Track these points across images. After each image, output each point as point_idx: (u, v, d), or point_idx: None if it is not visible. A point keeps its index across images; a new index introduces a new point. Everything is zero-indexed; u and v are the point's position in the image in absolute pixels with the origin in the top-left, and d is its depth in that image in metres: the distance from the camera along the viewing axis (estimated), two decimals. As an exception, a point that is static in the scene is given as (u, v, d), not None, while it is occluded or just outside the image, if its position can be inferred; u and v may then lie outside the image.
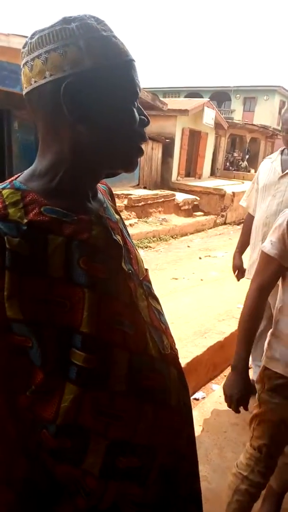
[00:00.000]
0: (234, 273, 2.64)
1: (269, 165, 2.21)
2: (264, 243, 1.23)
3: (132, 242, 0.78)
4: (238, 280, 2.63)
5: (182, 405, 0.71)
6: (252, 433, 1.33)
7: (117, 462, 0.63)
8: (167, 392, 0.67)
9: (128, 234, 0.79)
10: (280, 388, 1.25)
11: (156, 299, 0.74)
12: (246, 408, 1.27)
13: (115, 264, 0.68)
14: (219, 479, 1.90)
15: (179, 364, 0.73)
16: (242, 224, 2.78)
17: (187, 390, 0.75)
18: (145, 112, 0.70)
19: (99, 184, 0.77)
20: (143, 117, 0.69)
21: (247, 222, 2.51)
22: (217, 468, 1.99)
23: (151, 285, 0.75)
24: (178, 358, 0.73)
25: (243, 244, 2.57)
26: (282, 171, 2.11)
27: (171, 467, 0.67)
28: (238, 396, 1.25)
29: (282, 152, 2.21)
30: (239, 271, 2.60)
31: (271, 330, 1.34)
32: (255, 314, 1.28)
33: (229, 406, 1.29)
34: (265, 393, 1.28)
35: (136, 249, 0.78)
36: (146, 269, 0.78)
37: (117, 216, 0.77)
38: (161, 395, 0.65)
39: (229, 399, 1.27)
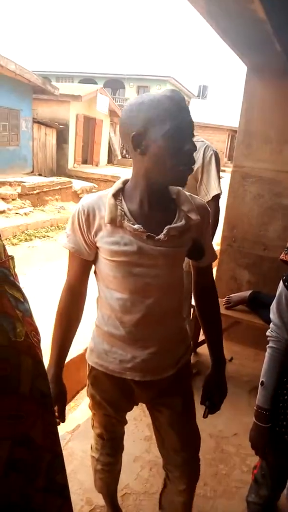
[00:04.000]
0: None
1: None
2: (61, 239, 1.13)
3: None
4: None
5: (38, 394, 0.69)
6: (92, 423, 1.36)
7: None
8: (14, 380, 0.64)
9: None
10: (95, 381, 1.23)
11: (15, 286, 0.71)
12: (63, 421, 1.22)
13: None
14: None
15: (36, 352, 0.70)
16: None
17: (45, 378, 0.73)
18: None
19: None
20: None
21: None
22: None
23: (9, 271, 0.71)
24: (35, 347, 0.71)
25: None
26: None
27: (25, 459, 0.65)
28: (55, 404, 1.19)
29: None
30: None
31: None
32: (65, 315, 1.19)
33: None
34: (89, 387, 1.26)
35: None
36: (10, 256, 0.74)
37: None
38: (6, 383, 0.63)
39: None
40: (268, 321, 1.33)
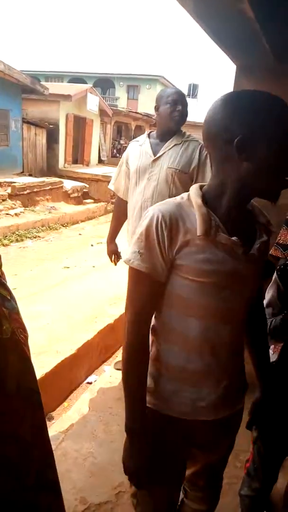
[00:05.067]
0: (111, 258, 2.66)
1: (138, 149, 2.25)
2: (127, 256, 0.93)
3: None
4: (116, 264, 2.66)
5: (25, 390, 0.69)
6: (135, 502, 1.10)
7: None
8: (0, 377, 0.64)
9: None
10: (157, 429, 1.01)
11: (2, 284, 0.71)
12: (140, 486, 1.00)
13: None
14: (105, 454, 1.96)
15: (22, 349, 0.70)
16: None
17: (32, 375, 0.73)
18: None
19: None
20: None
21: (118, 207, 2.52)
22: (103, 443, 2.04)
23: None
24: (22, 343, 0.71)
25: (115, 228, 2.61)
26: (154, 155, 2.17)
27: (14, 457, 0.65)
28: (133, 470, 0.98)
29: (149, 135, 2.28)
30: (116, 256, 2.64)
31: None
32: (138, 353, 0.96)
33: (129, 480, 1.01)
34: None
35: None
36: None
37: None
38: None
39: (127, 471, 0.99)
40: None
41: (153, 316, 1.00)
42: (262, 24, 1.95)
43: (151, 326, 1.00)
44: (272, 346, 1.64)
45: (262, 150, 0.82)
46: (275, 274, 1.33)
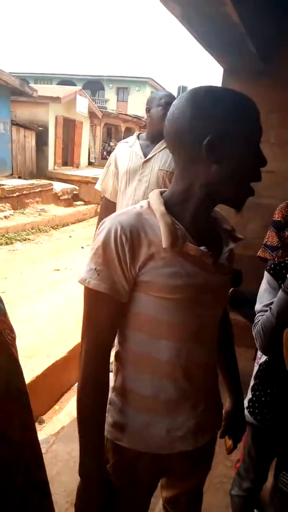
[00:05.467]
0: None
1: (128, 150, 2.26)
2: (82, 275, 0.81)
3: None
4: None
5: (14, 391, 0.69)
6: None
7: None
8: None
9: None
10: (126, 466, 0.92)
11: None
12: None
13: None
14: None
15: (10, 350, 0.71)
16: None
17: (20, 376, 0.73)
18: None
19: None
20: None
21: (105, 208, 2.48)
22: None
23: None
24: (10, 345, 0.71)
25: None
26: (144, 156, 2.19)
27: (2, 456, 0.66)
28: None
29: (138, 137, 2.29)
30: None
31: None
32: (99, 387, 0.83)
33: None
34: (117, 475, 0.91)
35: None
36: None
37: None
38: None
39: None
40: (249, 318, 1.35)
41: (116, 341, 0.89)
42: (247, 28, 1.98)
43: (114, 353, 0.89)
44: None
45: (233, 151, 0.76)
46: (266, 276, 1.32)
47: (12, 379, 0.69)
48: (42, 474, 0.75)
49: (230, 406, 1.12)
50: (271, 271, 1.29)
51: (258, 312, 1.29)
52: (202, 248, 0.79)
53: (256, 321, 1.28)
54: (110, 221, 0.80)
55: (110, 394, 0.89)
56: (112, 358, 0.89)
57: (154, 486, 1.01)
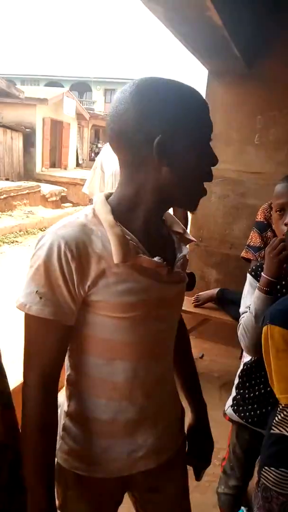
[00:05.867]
0: None
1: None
2: (21, 299, 0.70)
3: None
4: None
5: None
6: None
7: None
8: None
9: None
10: (84, 492, 0.86)
11: None
12: None
13: None
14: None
15: None
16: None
17: (3, 376, 0.73)
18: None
19: None
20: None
21: None
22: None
23: None
24: None
25: None
26: None
27: None
28: None
29: None
30: None
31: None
32: (50, 422, 0.74)
33: None
34: (70, 504, 0.87)
35: None
36: None
37: None
38: None
39: None
40: (235, 317, 1.36)
41: (66, 363, 0.82)
42: (230, 32, 2.01)
43: (66, 377, 0.82)
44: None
45: (185, 151, 0.70)
46: (248, 277, 1.33)
47: None
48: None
49: (193, 420, 1.03)
50: (253, 273, 1.31)
51: (242, 314, 1.31)
52: (156, 259, 0.73)
53: (240, 322, 1.30)
54: (50, 236, 0.69)
55: (64, 420, 0.82)
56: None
57: (119, 503, 0.93)
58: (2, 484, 0.68)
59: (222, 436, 1.44)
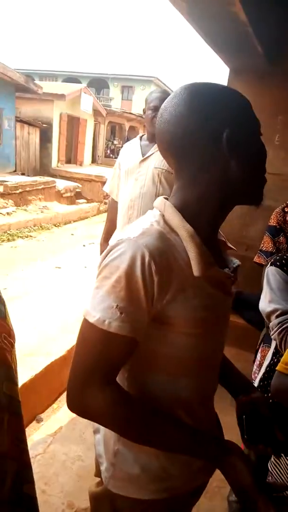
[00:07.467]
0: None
1: (130, 150, 2.27)
2: (90, 311, 0.65)
3: None
4: None
5: (4, 399, 0.66)
6: None
7: None
8: None
9: None
10: None
11: None
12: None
13: None
14: (94, 457, 1.92)
15: (4, 355, 0.68)
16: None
17: (13, 382, 0.70)
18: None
19: None
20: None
21: (111, 209, 2.51)
22: (91, 446, 2.02)
23: None
24: (5, 350, 0.69)
25: (109, 231, 2.59)
26: (143, 156, 2.18)
27: None
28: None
29: (141, 138, 2.30)
30: None
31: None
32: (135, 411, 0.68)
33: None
34: None
35: None
36: None
37: None
38: None
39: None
40: (249, 320, 1.33)
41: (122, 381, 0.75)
42: (254, 28, 1.96)
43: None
44: (260, 349, 1.64)
45: (248, 143, 0.71)
46: (275, 270, 1.27)
47: (4, 387, 0.66)
48: (30, 489, 0.70)
49: (257, 396, 0.92)
50: (280, 265, 1.24)
51: (273, 311, 1.23)
52: (226, 270, 0.72)
53: (283, 325, 1.22)
54: (132, 245, 0.64)
55: (116, 446, 0.78)
56: None
57: None
58: (3, 498, 0.64)
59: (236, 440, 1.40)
